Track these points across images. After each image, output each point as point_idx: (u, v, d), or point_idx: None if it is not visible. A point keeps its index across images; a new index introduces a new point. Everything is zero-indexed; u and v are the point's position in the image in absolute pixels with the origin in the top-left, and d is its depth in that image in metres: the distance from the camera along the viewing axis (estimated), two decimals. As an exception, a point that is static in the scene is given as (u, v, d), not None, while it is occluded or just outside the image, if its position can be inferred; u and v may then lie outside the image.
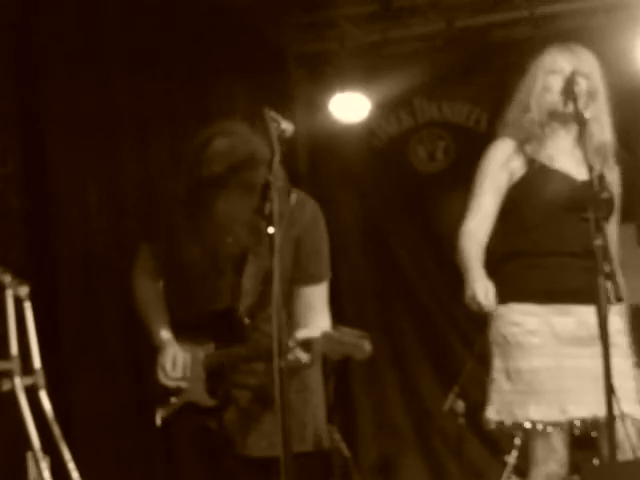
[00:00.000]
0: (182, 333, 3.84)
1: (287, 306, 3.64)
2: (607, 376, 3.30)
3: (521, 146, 3.79)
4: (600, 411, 3.48)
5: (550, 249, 3.73)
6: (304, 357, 3.54)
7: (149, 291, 3.96)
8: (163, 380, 3.80)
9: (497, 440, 6.69)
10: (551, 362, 3.65)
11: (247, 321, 3.75)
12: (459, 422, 5.83)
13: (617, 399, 3.33)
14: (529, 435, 3.68)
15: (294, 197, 3.75)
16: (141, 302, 3.96)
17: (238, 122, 3.83)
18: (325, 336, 3.55)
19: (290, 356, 3.48)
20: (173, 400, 3.80)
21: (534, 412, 3.63)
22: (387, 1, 6.93)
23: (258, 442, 3.73)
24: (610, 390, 3.31)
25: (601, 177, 3.67)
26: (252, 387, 3.76)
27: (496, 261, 3.86)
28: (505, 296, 3.73)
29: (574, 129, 3.78)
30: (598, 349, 3.49)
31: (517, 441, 5.47)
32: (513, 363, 3.71)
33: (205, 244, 3.77)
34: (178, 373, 3.78)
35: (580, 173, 3.72)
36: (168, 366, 3.79)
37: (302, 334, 3.59)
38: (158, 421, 3.81)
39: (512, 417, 3.67)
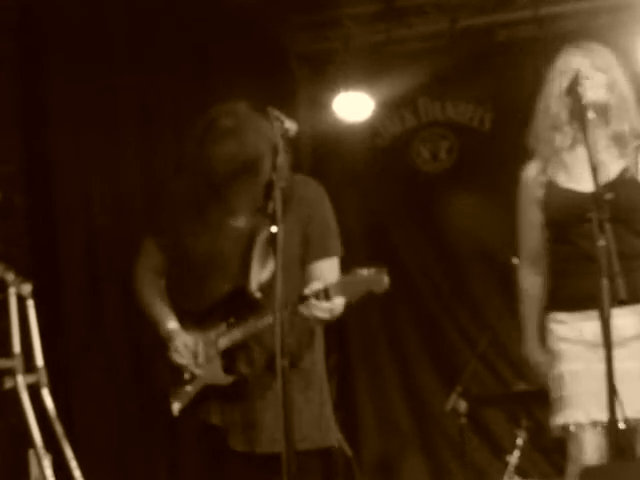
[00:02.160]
0: (190, 324, 3.83)
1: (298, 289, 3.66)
2: (610, 378, 3.31)
3: (544, 167, 3.85)
4: (620, 414, 3.52)
5: (569, 259, 3.79)
6: (325, 307, 3.50)
7: (153, 287, 3.95)
8: (180, 360, 3.78)
9: (499, 440, 6.71)
10: (578, 366, 3.71)
11: (258, 295, 3.74)
12: (461, 422, 5.83)
13: (620, 402, 3.34)
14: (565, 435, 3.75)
15: (297, 178, 3.77)
16: (145, 297, 3.95)
17: (242, 103, 3.83)
18: (341, 280, 3.55)
19: (309, 310, 3.48)
20: (188, 389, 3.78)
21: (560, 416, 3.71)
22: (391, 1, 6.94)
23: (259, 438, 3.72)
24: (612, 392, 3.32)
25: (624, 171, 3.73)
26: (260, 363, 3.75)
27: None
28: (546, 308, 3.86)
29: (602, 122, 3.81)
30: (625, 351, 3.57)
31: (519, 441, 5.48)
32: (551, 371, 3.80)
33: (212, 232, 3.79)
34: (191, 358, 3.77)
35: (605, 175, 3.74)
36: (181, 349, 3.78)
37: (315, 285, 3.54)
38: (175, 411, 3.78)
39: (554, 422, 3.76)
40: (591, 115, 3.71)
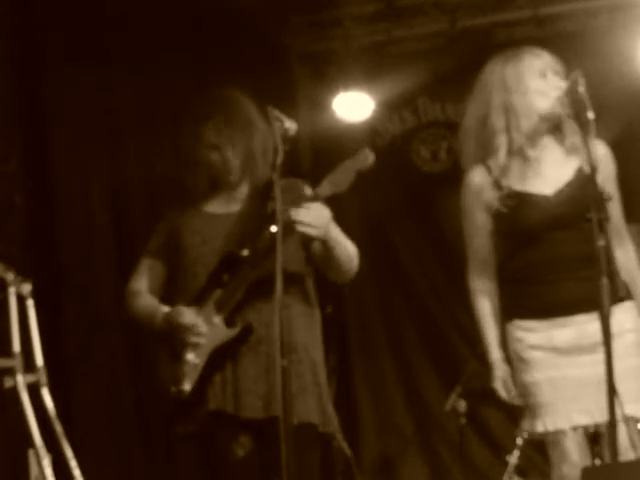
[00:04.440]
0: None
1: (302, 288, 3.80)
2: (609, 378, 3.30)
3: (490, 172, 3.79)
4: (602, 417, 3.52)
5: (541, 268, 3.74)
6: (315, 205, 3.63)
7: (144, 295, 3.96)
8: (187, 319, 3.75)
9: (499, 440, 6.71)
10: (553, 373, 3.70)
11: (245, 252, 3.74)
12: (461, 422, 5.84)
13: (619, 402, 3.34)
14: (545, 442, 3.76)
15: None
16: (136, 306, 3.95)
17: (232, 90, 3.90)
18: (326, 180, 3.69)
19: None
20: (196, 360, 3.74)
21: (541, 424, 3.70)
22: (390, 1, 6.94)
23: (253, 403, 3.69)
24: (612, 392, 3.32)
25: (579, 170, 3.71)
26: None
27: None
28: (508, 314, 3.82)
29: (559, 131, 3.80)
30: (600, 356, 3.52)
31: (519, 441, 5.48)
32: (520, 378, 3.78)
33: (206, 221, 3.82)
34: (195, 318, 3.74)
35: (562, 175, 3.73)
36: (183, 311, 3.75)
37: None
38: (187, 390, 3.73)
39: (531, 429, 3.76)
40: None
